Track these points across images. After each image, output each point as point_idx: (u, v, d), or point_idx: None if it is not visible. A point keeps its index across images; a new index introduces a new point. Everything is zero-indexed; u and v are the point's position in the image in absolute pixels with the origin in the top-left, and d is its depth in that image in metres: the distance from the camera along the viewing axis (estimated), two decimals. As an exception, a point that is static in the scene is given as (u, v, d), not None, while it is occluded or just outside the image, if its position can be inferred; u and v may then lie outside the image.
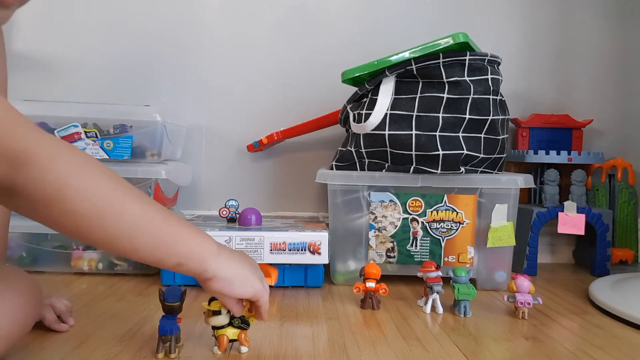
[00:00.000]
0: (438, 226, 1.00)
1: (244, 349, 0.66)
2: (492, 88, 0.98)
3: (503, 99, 1.02)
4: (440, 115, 0.95)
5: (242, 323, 0.65)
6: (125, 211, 0.50)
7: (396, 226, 1.01)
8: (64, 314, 0.73)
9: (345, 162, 1.04)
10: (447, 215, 0.99)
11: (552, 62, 1.35)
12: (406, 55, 0.97)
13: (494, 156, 1.00)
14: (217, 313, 0.64)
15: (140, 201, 0.52)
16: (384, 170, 1.00)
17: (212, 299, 0.64)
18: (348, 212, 1.02)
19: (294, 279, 0.99)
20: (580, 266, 1.27)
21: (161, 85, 1.32)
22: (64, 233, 0.50)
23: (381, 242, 1.01)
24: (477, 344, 0.71)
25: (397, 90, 0.99)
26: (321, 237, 0.96)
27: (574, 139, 1.28)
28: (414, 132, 0.95)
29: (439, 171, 0.96)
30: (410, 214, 1.00)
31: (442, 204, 0.99)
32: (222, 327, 0.64)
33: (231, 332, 0.65)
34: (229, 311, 0.64)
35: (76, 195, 0.47)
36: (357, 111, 1.01)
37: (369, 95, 1.01)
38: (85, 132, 1.07)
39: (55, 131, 1.07)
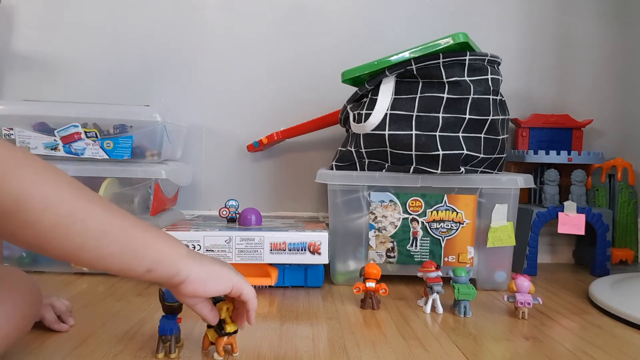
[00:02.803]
0: (438, 226, 1.00)
1: (216, 357, 0.63)
2: (492, 88, 0.98)
3: (503, 99, 1.02)
4: (440, 115, 0.95)
5: (219, 329, 0.63)
6: (90, 218, 0.48)
7: (396, 226, 1.01)
8: (64, 314, 0.73)
9: (345, 162, 1.04)
10: (447, 215, 0.99)
11: (552, 62, 1.35)
12: (406, 55, 0.97)
13: (494, 156, 1.00)
14: None
15: (105, 207, 0.50)
16: (384, 170, 1.00)
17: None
18: (348, 212, 1.01)
19: (294, 279, 0.99)
20: (580, 266, 1.26)
21: (161, 85, 1.32)
22: (26, 247, 0.47)
23: (381, 242, 1.01)
24: (477, 344, 0.71)
25: (397, 90, 0.99)
26: (321, 237, 0.96)
27: (574, 139, 1.28)
28: (414, 132, 0.95)
29: (439, 171, 0.96)
30: (410, 214, 1.00)
31: (442, 204, 0.99)
32: (211, 327, 0.64)
33: (212, 335, 0.64)
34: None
35: (37, 205, 0.44)
36: (357, 111, 1.01)
37: (369, 95, 1.01)
38: (85, 132, 1.07)
39: (55, 131, 1.07)
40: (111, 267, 0.51)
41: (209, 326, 0.64)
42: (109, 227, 0.49)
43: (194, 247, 0.94)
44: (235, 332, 0.64)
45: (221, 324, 0.63)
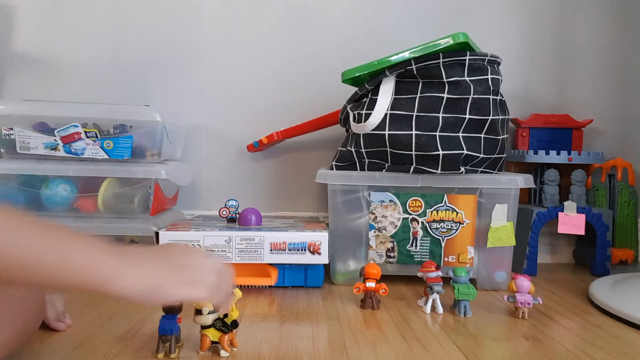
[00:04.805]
0: (438, 226, 1.00)
1: (223, 354, 0.63)
2: (492, 88, 0.98)
3: (503, 99, 1.02)
4: (440, 115, 0.95)
5: (222, 326, 0.62)
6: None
7: (396, 226, 1.01)
8: (61, 313, 0.73)
9: (345, 162, 1.04)
10: (447, 215, 0.99)
11: (552, 62, 1.35)
12: (406, 55, 0.97)
13: (494, 156, 1.00)
14: (198, 312, 0.62)
15: (9, 228, 0.43)
16: (384, 170, 1.00)
17: None
18: (348, 212, 1.01)
19: (294, 279, 0.99)
20: (580, 266, 1.26)
21: (161, 85, 1.32)
22: None
23: (381, 242, 1.01)
24: (477, 344, 0.71)
25: (397, 90, 0.99)
26: (321, 237, 0.96)
27: (574, 139, 1.28)
28: (414, 132, 0.95)
29: (439, 171, 0.96)
30: (410, 214, 1.00)
31: (442, 204, 0.99)
32: (208, 327, 0.63)
33: (213, 334, 0.63)
34: (212, 311, 0.62)
35: None
36: (357, 111, 1.01)
37: (369, 95, 1.01)
38: (85, 132, 1.07)
39: (56, 131, 1.07)
40: (43, 283, 0.46)
41: (205, 327, 0.63)
42: (16, 246, 0.43)
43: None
44: (237, 326, 0.64)
45: (223, 321, 0.63)
